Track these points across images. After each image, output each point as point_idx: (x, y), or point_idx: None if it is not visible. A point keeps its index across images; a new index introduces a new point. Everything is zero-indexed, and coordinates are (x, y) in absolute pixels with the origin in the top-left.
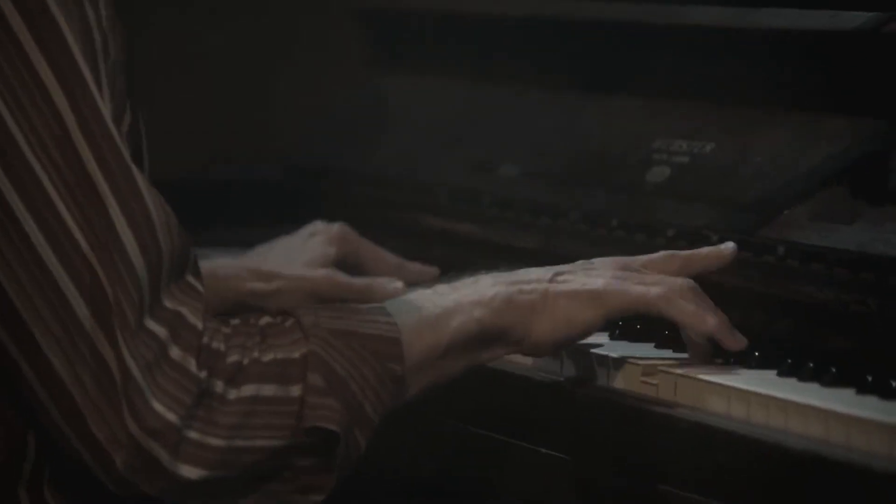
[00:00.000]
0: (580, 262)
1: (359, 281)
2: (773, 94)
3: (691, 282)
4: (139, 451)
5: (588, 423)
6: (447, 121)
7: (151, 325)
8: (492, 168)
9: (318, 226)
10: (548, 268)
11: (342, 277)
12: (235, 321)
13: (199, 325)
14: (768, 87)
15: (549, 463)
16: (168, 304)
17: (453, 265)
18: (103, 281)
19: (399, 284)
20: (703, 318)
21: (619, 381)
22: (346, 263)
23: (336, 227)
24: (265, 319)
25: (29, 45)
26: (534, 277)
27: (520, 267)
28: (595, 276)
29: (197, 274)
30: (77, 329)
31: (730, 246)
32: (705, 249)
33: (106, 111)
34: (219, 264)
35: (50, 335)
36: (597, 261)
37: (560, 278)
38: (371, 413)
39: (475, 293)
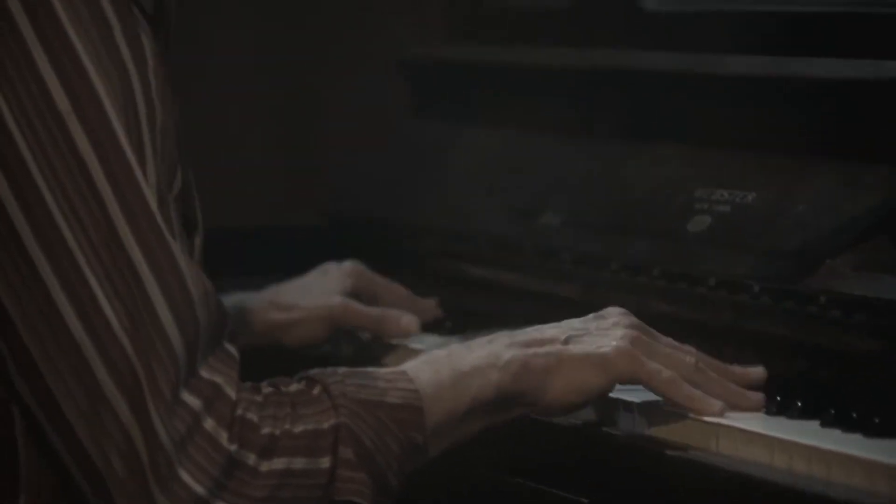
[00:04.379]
0: (591, 315)
1: (373, 310)
2: (814, 143)
3: (701, 357)
4: None
5: (625, 470)
6: (488, 169)
7: (186, 396)
8: (533, 217)
9: (331, 264)
10: (562, 326)
11: (357, 305)
12: (267, 389)
13: (234, 395)
14: (809, 136)
15: None
16: (204, 374)
17: (495, 314)
18: (132, 358)
19: (412, 318)
20: (709, 405)
21: (662, 430)
22: (361, 298)
23: (348, 264)
24: (294, 387)
25: (72, 123)
26: (548, 338)
27: (561, 317)
28: (609, 336)
29: (232, 340)
30: (103, 404)
31: (759, 371)
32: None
33: (147, 186)
34: (245, 298)
35: (76, 408)
36: (610, 311)
37: (574, 339)
38: (393, 483)
39: (492, 356)
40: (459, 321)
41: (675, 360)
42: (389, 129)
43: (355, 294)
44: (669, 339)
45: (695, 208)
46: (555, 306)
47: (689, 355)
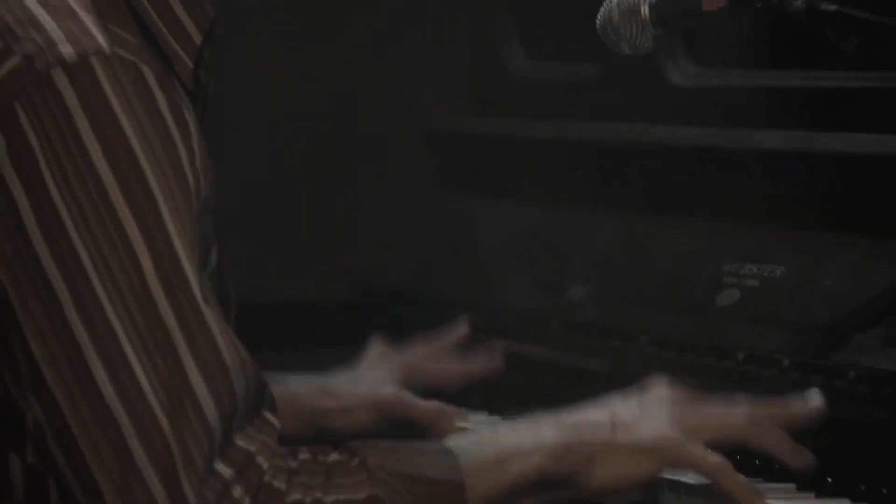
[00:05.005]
0: (634, 391)
1: (426, 405)
2: (842, 218)
3: (755, 410)
4: None
5: None
6: (516, 243)
7: (220, 466)
8: (561, 290)
9: (382, 348)
10: (607, 408)
11: (410, 398)
12: (304, 455)
13: (266, 463)
14: (838, 210)
15: None
16: (240, 443)
17: (523, 387)
18: (166, 430)
19: (465, 416)
20: (754, 498)
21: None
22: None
23: (398, 354)
24: (333, 457)
25: (113, 192)
26: (594, 422)
27: (589, 390)
28: (655, 418)
29: (273, 409)
30: (134, 474)
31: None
32: (789, 409)
33: (186, 257)
34: (294, 382)
35: (107, 477)
36: (653, 384)
37: (620, 423)
38: None
39: (536, 438)
40: (487, 394)
41: (726, 425)
42: (417, 200)
43: (409, 379)
44: (719, 403)
45: (723, 282)
46: (583, 380)
47: (740, 412)
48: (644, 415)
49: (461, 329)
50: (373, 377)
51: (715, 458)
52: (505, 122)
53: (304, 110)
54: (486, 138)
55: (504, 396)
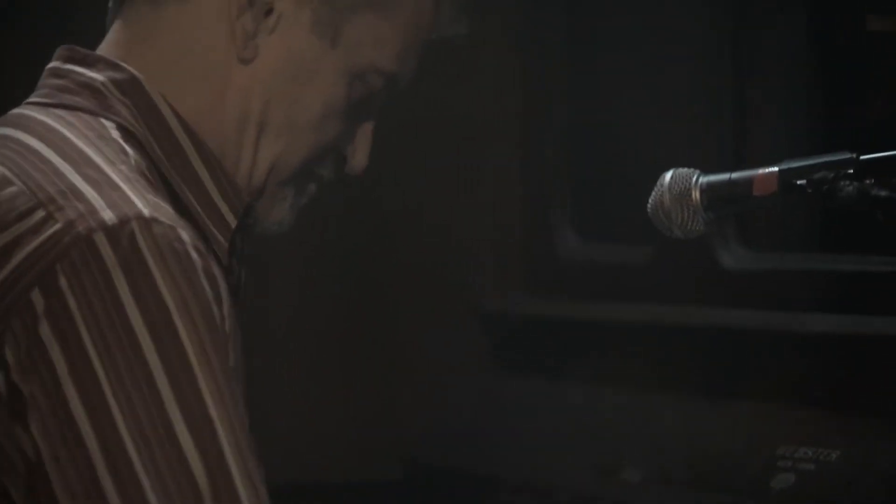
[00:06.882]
0: None
1: None
2: None
3: None
4: None
5: None
6: (569, 423)
7: None
8: (613, 473)
9: None
10: None
11: None
12: None
13: None
14: (892, 394)
15: None
16: None
17: None
18: None
19: None
20: None
21: None
22: None
23: None
24: None
25: (150, 354)
26: None
27: None
28: None
29: None
30: None
31: None
32: None
33: (219, 417)
34: None
35: None
36: None
37: None
38: None
39: None
40: None
41: None
42: (468, 381)
43: None
44: None
45: (778, 466)
46: None
47: None
48: None
49: None
50: None
51: None
52: (557, 303)
53: (355, 288)
54: (539, 319)
55: None
